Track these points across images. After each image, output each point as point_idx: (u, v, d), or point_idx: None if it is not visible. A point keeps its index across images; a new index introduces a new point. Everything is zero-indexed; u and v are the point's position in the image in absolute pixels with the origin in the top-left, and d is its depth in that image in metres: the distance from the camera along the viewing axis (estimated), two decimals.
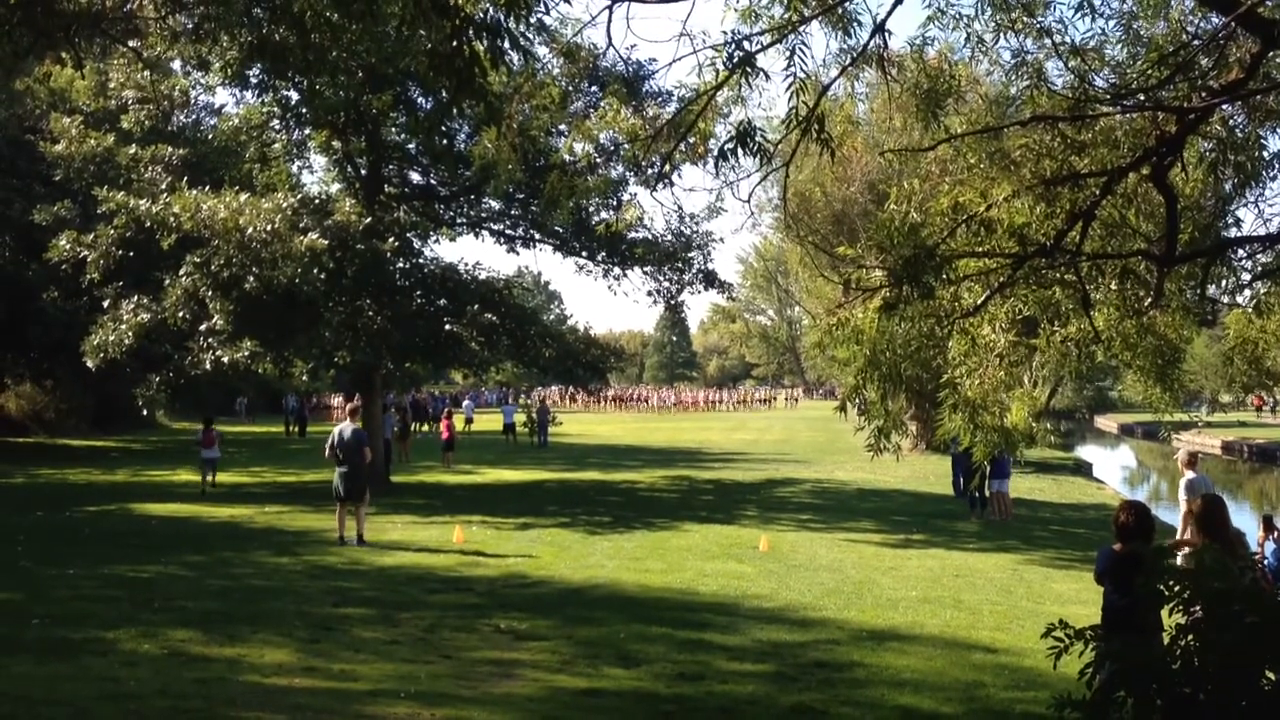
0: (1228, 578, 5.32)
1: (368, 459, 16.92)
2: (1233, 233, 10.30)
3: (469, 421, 51.61)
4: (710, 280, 27.44)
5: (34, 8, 10.94)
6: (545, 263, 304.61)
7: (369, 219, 22.33)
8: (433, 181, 27.54)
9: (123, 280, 22.94)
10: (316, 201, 23.10)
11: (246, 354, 21.64)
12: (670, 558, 15.77)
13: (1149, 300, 9.68)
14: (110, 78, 25.66)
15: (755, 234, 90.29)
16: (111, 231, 21.73)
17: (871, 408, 10.69)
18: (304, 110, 23.80)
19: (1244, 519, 10.73)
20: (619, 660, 9.80)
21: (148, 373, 23.93)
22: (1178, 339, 10.85)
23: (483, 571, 14.33)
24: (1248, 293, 10.89)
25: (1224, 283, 10.46)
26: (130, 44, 18.15)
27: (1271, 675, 5.08)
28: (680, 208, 32.81)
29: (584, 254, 27.14)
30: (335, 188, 26.48)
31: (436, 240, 29.14)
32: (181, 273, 21.34)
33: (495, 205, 27.43)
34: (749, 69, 7.69)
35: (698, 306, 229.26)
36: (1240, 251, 10.02)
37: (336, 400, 58.22)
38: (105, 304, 22.73)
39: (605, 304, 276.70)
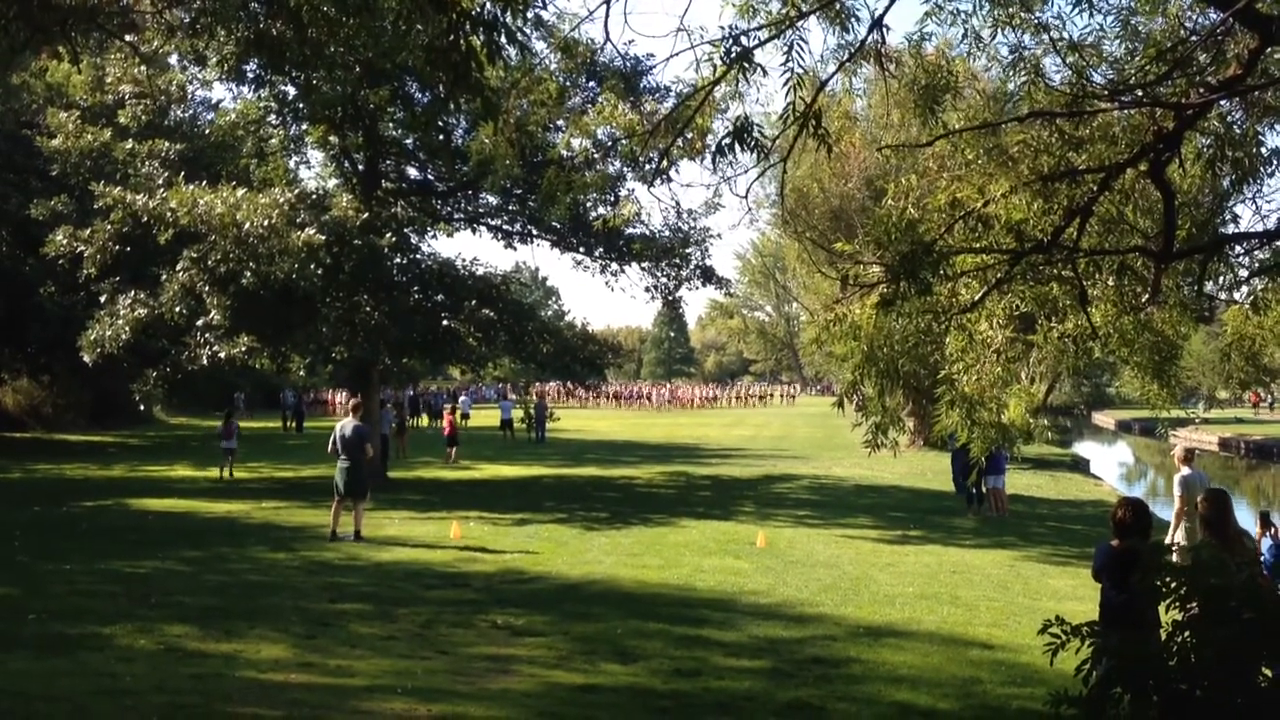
0: (1225, 574, 5.32)
1: (369, 455, 16.91)
2: (1230, 229, 10.33)
3: (465, 417, 51.58)
4: (708, 276, 27.42)
5: (30, 2, 10.90)
6: (542, 258, 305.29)
7: (366, 214, 22.30)
8: (430, 177, 27.52)
9: (120, 275, 22.90)
10: (314, 197, 23.07)
11: (243, 349, 21.62)
12: (667, 554, 15.77)
13: (1146, 296, 9.68)
14: (107, 72, 25.60)
15: (753, 230, 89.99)
16: (108, 227, 21.69)
17: (869, 404, 10.69)
18: (301, 105, 23.78)
19: (1241, 516, 10.72)
20: (616, 656, 9.80)
21: (145, 368, 23.88)
22: (1175, 335, 10.86)
23: (480, 567, 14.33)
24: (1245, 289, 10.92)
25: (1221, 279, 10.46)
26: (127, 38, 18.13)
27: (1268, 671, 5.08)
28: (678, 203, 32.86)
29: (581, 249, 27.13)
30: (332, 183, 26.45)
31: (434, 235, 29.11)
32: (178, 268, 21.32)
33: (493, 200, 27.40)
34: (746, 64, 7.69)
35: (695, 302, 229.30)
36: (1238, 248, 10.03)
37: (341, 396, 58.10)
38: (102, 299, 22.69)
39: (603, 299, 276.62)
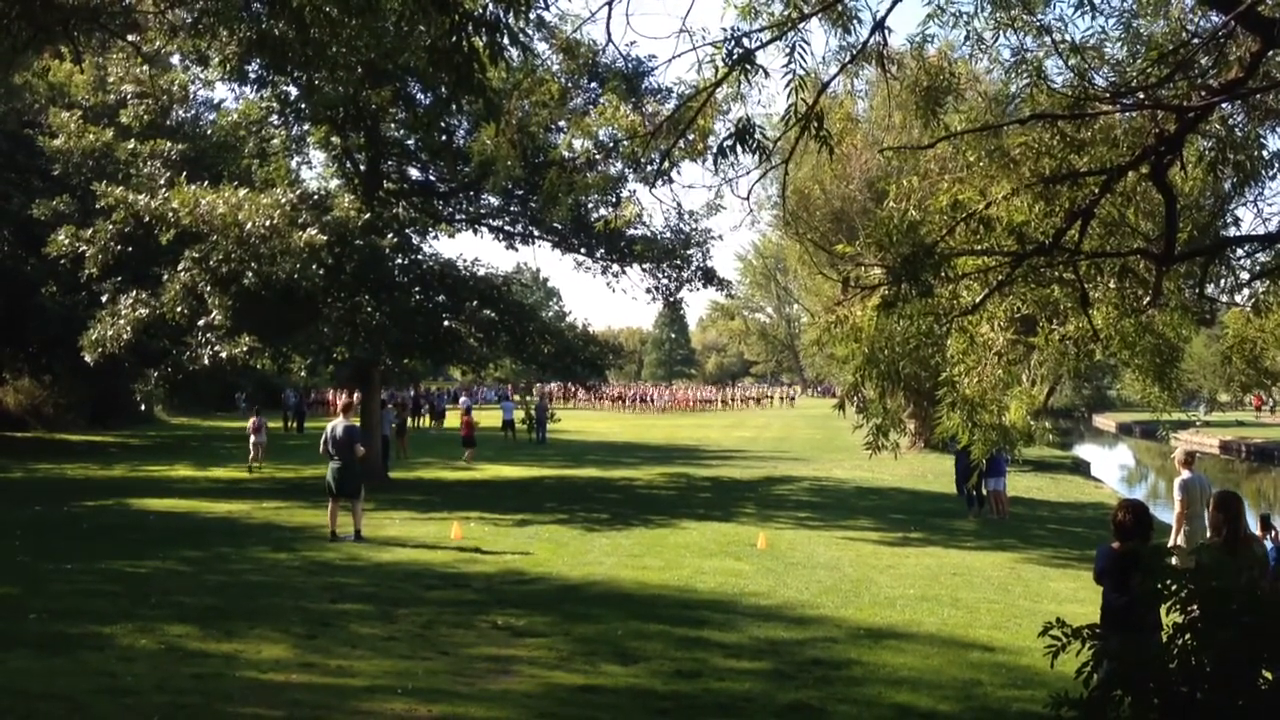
0: (1226, 577, 5.32)
1: (360, 455, 16.91)
2: (1232, 232, 10.32)
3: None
4: (709, 277, 27.45)
5: (33, 2, 10.91)
6: (544, 259, 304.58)
7: (368, 215, 22.33)
8: (432, 177, 27.55)
9: (121, 275, 22.93)
10: (315, 197, 23.09)
11: (245, 349, 21.62)
12: (668, 555, 15.77)
13: (1148, 299, 9.67)
14: (109, 72, 25.66)
15: (754, 231, 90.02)
16: (110, 226, 21.71)
17: (870, 406, 10.69)
18: (303, 105, 23.81)
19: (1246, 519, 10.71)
20: (616, 657, 9.80)
21: (146, 368, 23.94)
22: (1176, 338, 10.84)
23: (480, 568, 14.33)
24: (1246, 292, 10.90)
25: (1223, 282, 10.45)
26: (129, 38, 18.14)
27: (1269, 674, 5.08)
28: (679, 205, 32.93)
29: (583, 250, 27.16)
30: (334, 183, 26.48)
31: (435, 236, 29.17)
32: (180, 268, 21.34)
33: (494, 201, 27.44)
34: (748, 66, 7.68)
35: (696, 304, 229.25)
36: (1239, 250, 10.02)
37: (344, 396, 58.08)
38: (104, 299, 22.72)
39: (604, 301, 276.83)
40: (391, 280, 23.52)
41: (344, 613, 11.37)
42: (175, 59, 25.23)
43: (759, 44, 7.81)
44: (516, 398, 53.90)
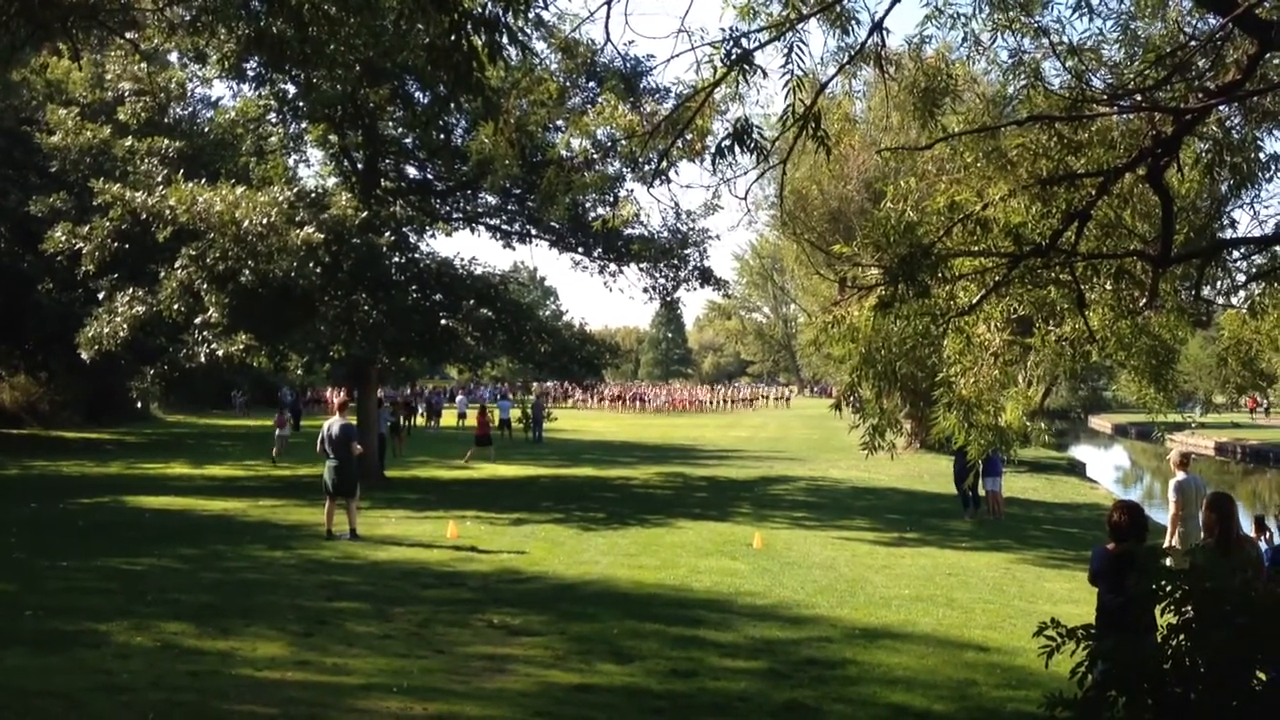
0: (1220, 578, 5.33)
1: (356, 453, 16.91)
2: (1228, 234, 10.32)
3: (461, 416, 51.60)
4: (706, 277, 27.45)
5: None
6: (541, 258, 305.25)
7: (365, 213, 22.31)
8: (429, 176, 27.52)
9: (118, 272, 22.89)
10: (313, 195, 23.06)
11: (241, 347, 21.60)
12: (664, 554, 15.78)
13: (1144, 300, 9.69)
14: (107, 69, 25.58)
15: (751, 231, 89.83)
16: (107, 224, 21.68)
17: (866, 406, 10.70)
18: (301, 104, 23.78)
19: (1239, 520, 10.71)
20: (612, 656, 9.81)
21: (142, 365, 23.88)
22: (1172, 339, 10.86)
23: (476, 567, 14.33)
24: (1242, 294, 10.91)
25: (1219, 284, 10.46)
26: (127, 36, 18.14)
27: (1263, 675, 5.09)
28: (677, 204, 32.92)
29: (580, 250, 27.16)
30: (332, 181, 26.43)
31: (433, 235, 29.15)
32: (177, 265, 21.30)
33: (492, 200, 27.42)
34: (747, 66, 7.70)
35: (693, 303, 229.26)
36: (1235, 253, 10.04)
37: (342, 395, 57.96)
38: (100, 296, 22.70)
39: (601, 300, 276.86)
40: (389, 279, 23.51)
41: (340, 611, 11.38)
42: (173, 56, 25.21)
43: (757, 44, 7.83)
44: (512, 397, 53.78)
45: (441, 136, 24.11)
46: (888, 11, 7.89)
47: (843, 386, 10.91)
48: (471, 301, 24.12)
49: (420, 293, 24.77)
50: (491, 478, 27.81)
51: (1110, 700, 5.16)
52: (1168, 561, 6.36)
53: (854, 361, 9.97)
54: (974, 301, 9.59)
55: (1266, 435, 56.30)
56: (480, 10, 6.72)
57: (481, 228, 28.21)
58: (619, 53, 22.71)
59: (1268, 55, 7.95)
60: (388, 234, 22.87)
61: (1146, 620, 6.53)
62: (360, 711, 7.93)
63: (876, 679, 9.39)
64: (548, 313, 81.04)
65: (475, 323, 24.19)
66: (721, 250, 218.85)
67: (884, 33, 8.18)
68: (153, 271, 22.29)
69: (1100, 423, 78.56)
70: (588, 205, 24.99)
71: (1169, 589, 5.35)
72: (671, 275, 27.25)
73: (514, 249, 38.18)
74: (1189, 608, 5.26)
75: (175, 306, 21.32)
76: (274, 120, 25.29)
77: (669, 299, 28.64)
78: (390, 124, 25.07)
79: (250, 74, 22.70)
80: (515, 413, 44.35)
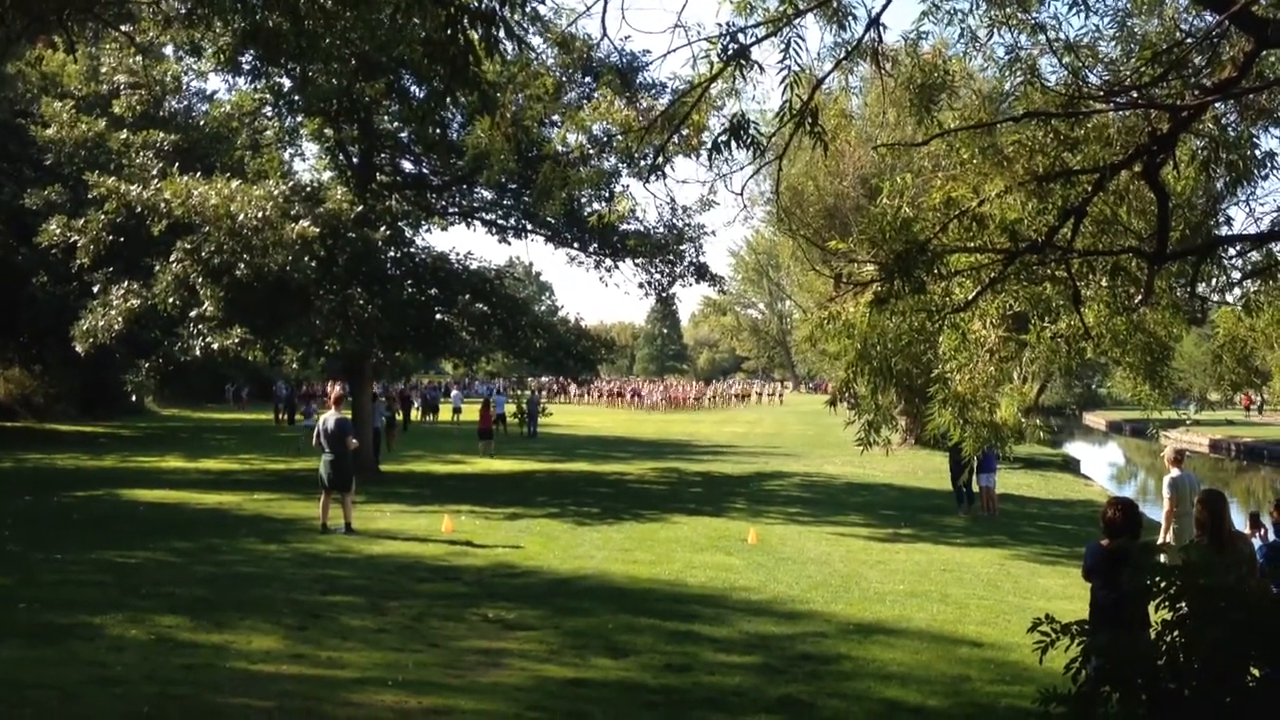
0: (1214, 575, 5.35)
1: (352, 447, 16.91)
2: (1223, 231, 10.33)
3: (456, 411, 51.59)
4: (702, 273, 27.45)
5: None
6: (537, 253, 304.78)
7: (361, 207, 22.29)
8: (425, 170, 27.48)
9: (113, 266, 22.87)
10: (308, 189, 23.02)
11: (236, 341, 21.60)
12: (659, 549, 15.79)
13: (1139, 297, 9.70)
14: (102, 62, 25.56)
15: (747, 227, 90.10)
16: (102, 217, 21.66)
17: (862, 402, 10.71)
18: (296, 97, 23.72)
19: (1231, 517, 10.74)
20: (607, 650, 9.82)
21: (137, 358, 23.86)
22: (1167, 336, 10.89)
23: (471, 561, 14.34)
24: (1237, 291, 10.94)
25: (1214, 281, 10.48)
26: (122, 28, 18.11)
27: (1256, 671, 5.11)
28: (673, 200, 32.82)
29: (576, 245, 27.14)
30: (327, 176, 26.35)
31: (428, 229, 29.13)
32: (172, 259, 21.28)
33: (487, 195, 27.40)
34: (743, 61, 7.70)
35: (689, 299, 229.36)
36: (1230, 250, 10.04)
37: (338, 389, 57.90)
38: (95, 289, 22.66)
39: (596, 295, 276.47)
40: (384, 273, 23.49)
41: (334, 605, 11.37)
42: (169, 49, 25.17)
43: (754, 40, 7.83)
44: (517, 393, 53.76)
45: (437, 131, 24.04)
46: (885, 7, 7.91)
47: (838, 383, 10.91)
48: (467, 296, 24.10)
49: (415, 287, 24.74)
50: (486, 472, 27.81)
51: (1104, 696, 5.18)
52: (1161, 558, 6.37)
53: (849, 357, 9.97)
54: (970, 298, 9.59)
55: (1260, 432, 56.41)
56: (477, 4, 6.71)
57: (477, 223, 28.20)
58: (615, 47, 22.69)
59: (1264, 53, 7.95)
60: (383, 228, 22.85)
61: (1140, 616, 6.55)
62: (355, 705, 7.92)
63: (871, 674, 9.40)
64: (543, 308, 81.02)
65: (470, 318, 24.17)
66: (717, 246, 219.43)
67: (881, 28, 8.19)
68: (148, 265, 22.25)
69: (1094, 419, 78.71)
70: (583, 200, 24.97)
71: (1163, 585, 5.37)
72: (667, 271, 27.26)
73: (509, 244, 38.26)
74: (1183, 604, 5.27)
75: (170, 300, 21.30)
76: (269, 114, 25.24)
77: (664, 295, 28.65)
78: (386, 118, 25.02)
79: (245, 67, 22.61)
80: (510, 408, 44.34)
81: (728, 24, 7.92)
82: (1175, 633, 5.20)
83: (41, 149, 25.24)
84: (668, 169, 21.77)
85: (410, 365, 36.57)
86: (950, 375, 10.29)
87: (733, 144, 7.68)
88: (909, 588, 13.55)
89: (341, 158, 25.38)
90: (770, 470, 30.40)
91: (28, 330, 34.09)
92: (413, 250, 25.55)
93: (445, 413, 52.74)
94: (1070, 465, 39.07)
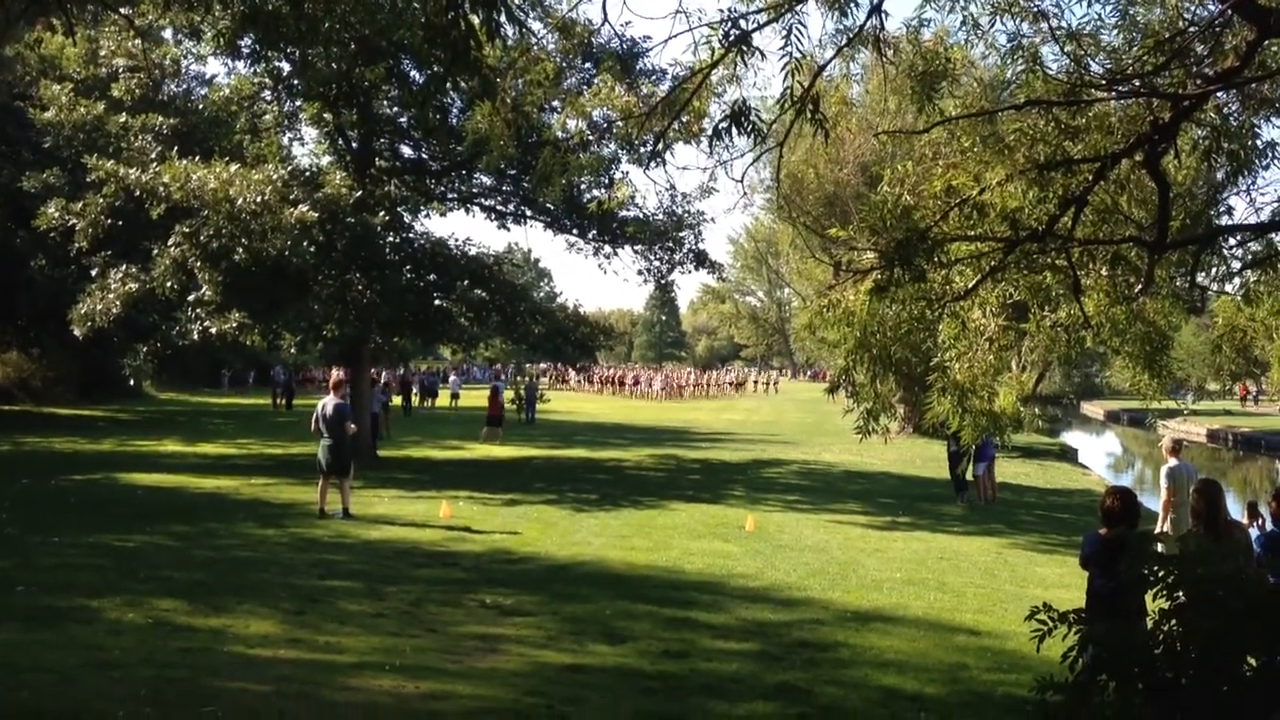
0: (1211, 564, 5.34)
1: (351, 432, 16.91)
2: (1224, 221, 10.34)
3: (455, 398, 51.56)
4: (701, 260, 27.42)
5: None
6: (536, 239, 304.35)
7: (359, 192, 22.25)
8: (424, 156, 27.40)
9: (111, 249, 22.85)
10: (307, 174, 23.00)
11: (234, 325, 21.58)
12: (656, 536, 15.81)
13: (1139, 287, 9.69)
14: (101, 45, 25.44)
15: (747, 214, 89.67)
16: (100, 200, 21.63)
17: (861, 390, 10.71)
18: (296, 82, 23.67)
19: (1229, 506, 10.74)
20: (604, 637, 9.83)
21: (135, 342, 23.82)
22: (1166, 326, 10.89)
23: (469, 547, 14.35)
24: (1237, 281, 10.92)
25: (1214, 270, 10.46)
26: (122, 11, 18.02)
27: (1253, 661, 5.11)
28: (672, 186, 32.81)
29: (575, 231, 27.10)
30: (326, 160, 26.31)
31: (427, 215, 29.07)
32: (170, 243, 21.25)
33: (487, 181, 27.35)
34: (745, 48, 7.67)
35: (688, 286, 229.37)
36: (1231, 240, 10.04)
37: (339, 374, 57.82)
38: (93, 273, 22.64)
39: (595, 282, 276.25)
40: (382, 258, 23.44)
41: (332, 590, 11.38)
42: (168, 33, 25.09)
43: (756, 26, 7.80)
44: (517, 380, 53.71)
45: (437, 116, 24.00)
46: None
47: (837, 371, 10.91)
48: (465, 282, 24.06)
49: (414, 273, 24.70)
50: (484, 458, 27.82)
51: (1101, 684, 5.17)
52: (1159, 547, 6.38)
53: (849, 345, 9.97)
54: (970, 286, 9.59)
55: (1258, 422, 56.47)
56: None
57: (476, 208, 28.16)
58: (616, 33, 22.59)
59: (1266, 42, 7.93)
60: (382, 213, 22.82)
61: (1138, 605, 6.56)
62: (352, 690, 7.94)
63: (868, 661, 9.42)
64: (542, 294, 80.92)
65: (469, 303, 24.14)
66: (717, 233, 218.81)
67: (882, 15, 8.16)
68: (146, 249, 22.23)
69: (1092, 409, 78.72)
70: (583, 187, 24.94)
71: (1160, 574, 5.36)
72: (666, 258, 27.23)
73: (509, 230, 38.10)
74: (1180, 593, 5.27)
75: (168, 284, 21.27)
76: (269, 98, 25.16)
77: (663, 282, 28.64)
78: (385, 103, 24.95)
79: (245, 51, 22.52)
80: (508, 394, 44.32)
81: (729, 10, 7.90)
82: (1172, 622, 5.20)
83: (40, 132, 25.18)
84: (668, 155, 21.72)
85: (408, 351, 36.57)
86: (949, 364, 10.28)
87: (733, 131, 7.66)
88: (906, 575, 13.57)
89: (341, 142, 25.32)
90: (768, 458, 30.43)
91: (26, 313, 34.03)
92: (411, 235, 25.53)
93: (444, 398, 52.70)
94: (1068, 454, 39.10)
